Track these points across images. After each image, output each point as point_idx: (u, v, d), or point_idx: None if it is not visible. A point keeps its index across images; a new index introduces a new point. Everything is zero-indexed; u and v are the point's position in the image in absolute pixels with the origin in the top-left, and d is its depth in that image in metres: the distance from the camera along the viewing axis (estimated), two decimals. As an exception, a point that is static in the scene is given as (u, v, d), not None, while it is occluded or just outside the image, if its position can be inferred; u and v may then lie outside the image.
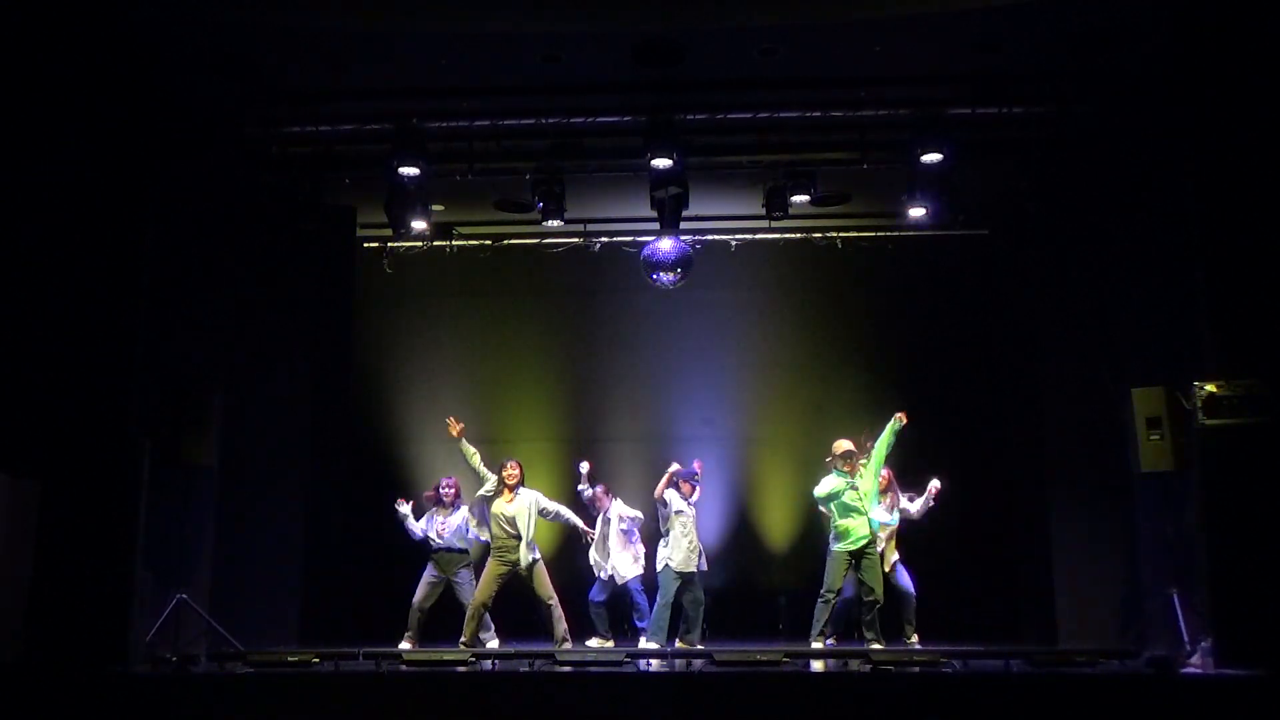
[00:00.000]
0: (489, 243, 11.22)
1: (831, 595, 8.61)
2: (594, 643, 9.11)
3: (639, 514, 9.31)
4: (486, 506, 8.76)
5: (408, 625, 8.99)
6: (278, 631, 9.04)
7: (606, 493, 9.47)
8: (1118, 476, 8.63)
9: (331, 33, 7.96)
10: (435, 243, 10.84)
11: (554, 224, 9.64)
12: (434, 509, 9.30)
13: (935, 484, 8.98)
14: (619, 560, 9.21)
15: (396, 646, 8.58)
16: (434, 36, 8.01)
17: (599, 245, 10.98)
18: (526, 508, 8.71)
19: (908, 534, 9.22)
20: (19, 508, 7.19)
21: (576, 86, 8.73)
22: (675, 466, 9.21)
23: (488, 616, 8.89)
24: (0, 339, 7.43)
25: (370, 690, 6.65)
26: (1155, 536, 8.18)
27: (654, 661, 7.37)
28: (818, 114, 8.91)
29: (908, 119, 8.78)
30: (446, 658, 7.42)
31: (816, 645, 8.49)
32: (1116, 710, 6.34)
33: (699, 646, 8.75)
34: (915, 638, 8.80)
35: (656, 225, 9.58)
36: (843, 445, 8.73)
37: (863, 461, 8.68)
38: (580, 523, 9.07)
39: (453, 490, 9.28)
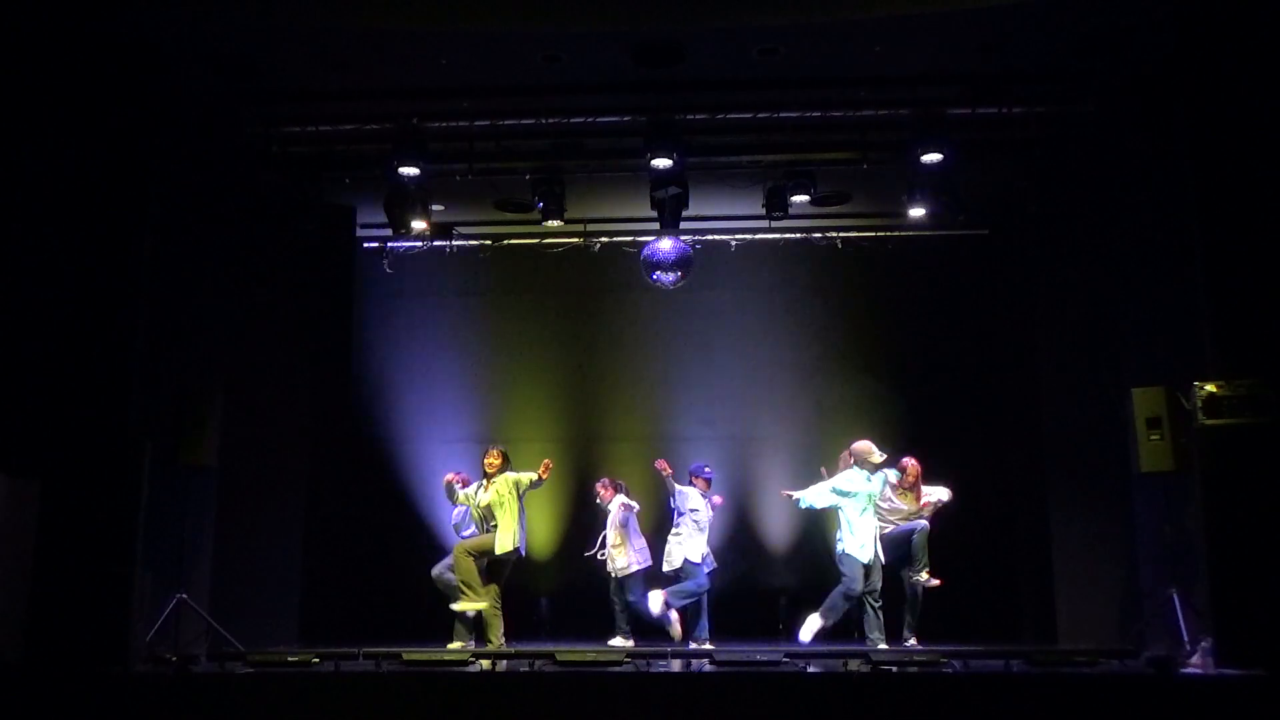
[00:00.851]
0: (489, 243, 11.21)
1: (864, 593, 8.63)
2: (615, 642, 9.00)
3: (634, 504, 9.28)
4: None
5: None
6: (278, 631, 9.04)
7: (607, 487, 9.44)
8: (1118, 476, 8.63)
9: (331, 32, 7.96)
10: (435, 243, 10.84)
11: (554, 224, 9.65)
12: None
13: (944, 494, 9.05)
14: (613, 553, 9.19)
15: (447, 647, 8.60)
16: (434, 36, 8.01)
17: (599, 245, 10.98)
18: (506, 494, 8.69)
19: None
20: (19, 508, 7.19)
21: (576, 86, 8.73)
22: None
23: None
24: (0, 339, 7.44)
25: (370, 690, 6.65)
26: (1155, 536, 8.18)
27: (654, 661, 7.36)
28: (818, 114, 8.91)
29: (908, 119, 8.77)
30: (446, 658, 7.42)
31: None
32: (1116, 710, 6.33)
33: (705, 645, 8.78)
34: (914, 640, 8.79)
35: (656, 225, 9.58)
36: (874, 454, 8.72)
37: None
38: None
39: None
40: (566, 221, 9.77)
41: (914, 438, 10.01)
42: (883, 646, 8.45)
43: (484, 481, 8.85)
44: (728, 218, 10.78)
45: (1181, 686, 6.49)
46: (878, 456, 8.72)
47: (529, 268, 11.37)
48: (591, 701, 6.56)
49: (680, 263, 9.89)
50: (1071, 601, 8.97)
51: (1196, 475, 7.13)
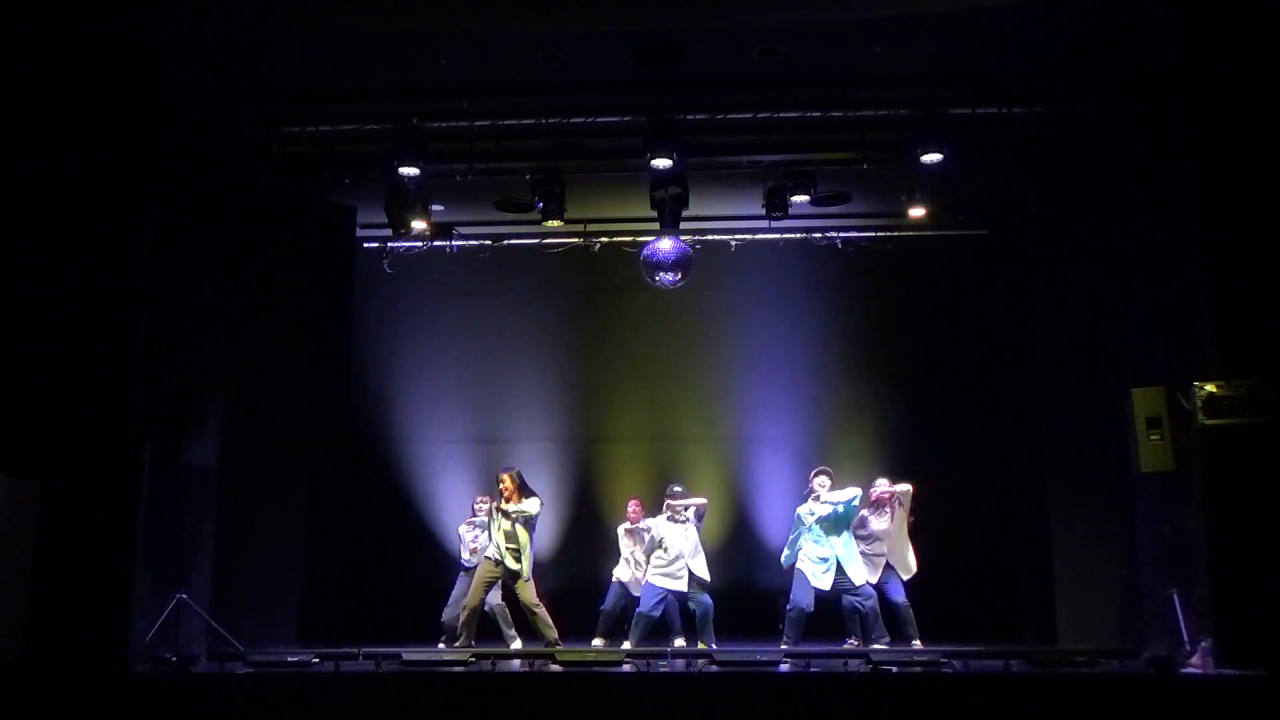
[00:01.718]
0: (489, 243, 11.21)
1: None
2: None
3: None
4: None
5: (458, 630, 8.78)
6: (278, 631, 9.04)
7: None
8: (1118, 476, 8.62)
9: (331, 32, 7.96)
10: (435, 243, 10.84)
11: (554, 224, 9.64)
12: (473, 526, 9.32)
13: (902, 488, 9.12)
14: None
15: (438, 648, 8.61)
16: (434, 36, 8.01)
17: (599, 245, 10.98)
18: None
19: (909, 533, 9.23)
20: (19, 508, 7.20)
21: (576, 86, 8.72)
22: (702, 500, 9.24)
23: (508, 612, 8.93)
24: (0, 339, 7.44)
25: (370, 690, 6.65)
26: (1155, 537, 8.17)
27: (654, 661, 7.36)
28: (818, 114, 8.91)
29: (908, 119, 8.78)
30: (446, 658, 7.42)
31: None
32: (1116, 710, 6.34)
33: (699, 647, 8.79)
34: (917, 643, 8.80)
35: (656, 225, 9.58)
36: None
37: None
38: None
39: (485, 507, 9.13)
40: (566, 221, 9.76)
41: (914, 438, 10.03)
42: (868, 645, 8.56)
43: (498, 506, 8.74)
44: (728, 218, 10.78)
45: (1181, 686, 6.50)
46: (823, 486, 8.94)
47: (529, 268, 11.37)
48: (592, 701, 6.56)
49: (680, 263, 9.88)
50: (1071, 601, 8.97)
51: (1196, 475, 7.13)
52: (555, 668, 7.03)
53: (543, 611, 8.61)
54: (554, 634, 8.56)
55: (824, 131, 9.15)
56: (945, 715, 6.43)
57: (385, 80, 8.68)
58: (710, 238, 10.94)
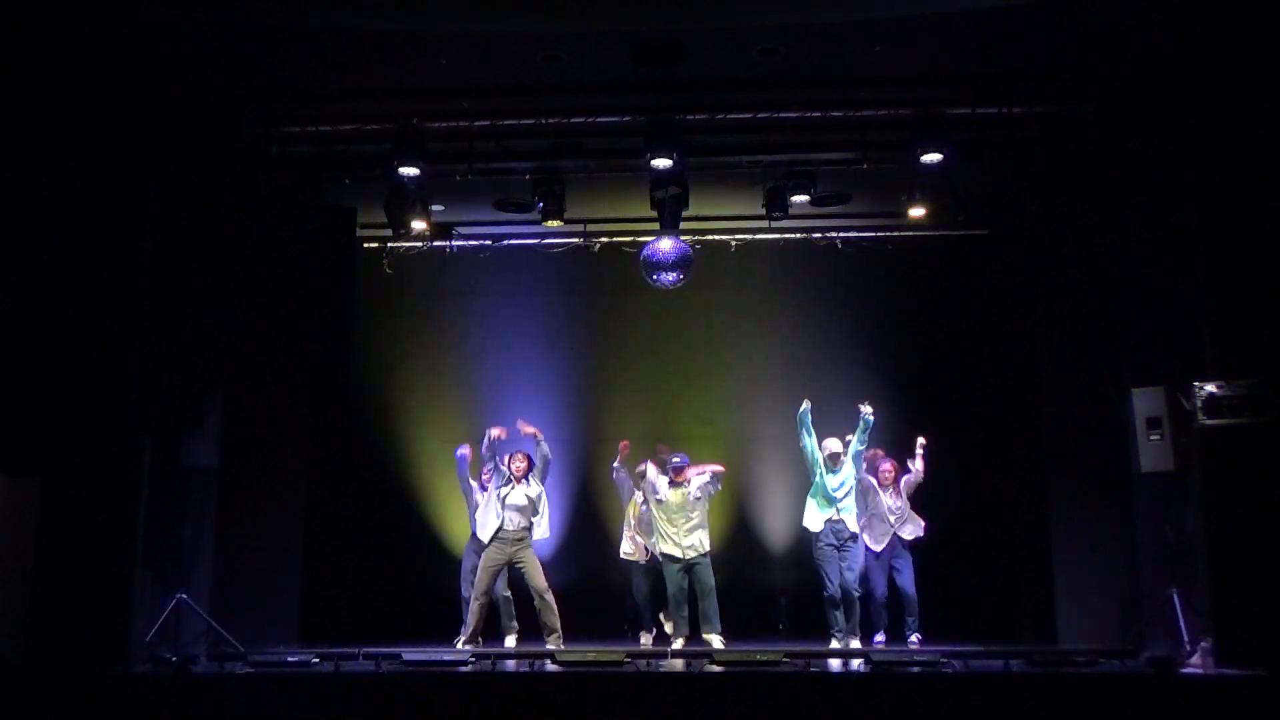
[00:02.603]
0: (489, 243, 11.21)
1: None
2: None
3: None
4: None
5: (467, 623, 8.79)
6: (278, 631, 9.04)
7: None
8: (1118, 477, 8.62)
9: (332, 33, 7.96)
10: (435, 243, 10.84)
11: (554, 224, 9.64)
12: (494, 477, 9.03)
13: (921, 441, 9.25)
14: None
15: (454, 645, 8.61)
16: (434, 36, 8.01)
17: (599, 245, 10.98)
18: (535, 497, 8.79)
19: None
20: (19, 508, 7.19)
21: (576, 86, 8.73)
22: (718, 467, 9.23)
23: (512, 607, 8.94)
24: (1, 339, 7.44)
25: (370, 690, 6.65)
26: (1155, 537, 8.17)
27: (654, 662, 7.36)
28: (818, 114, 8.91)
29: (908, 119, 8.78)
30: (446, 658, 7.42)
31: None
32: (1116, 710, 6.34)
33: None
34: (915, 637, 8.80)
35: (656, 225, 9.58)
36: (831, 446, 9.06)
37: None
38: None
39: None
40: (566, 221, 9.76)
41: (914, 438, 9.99)
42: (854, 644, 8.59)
43: (512, 478, 8.86)
44: (728, 218, 10.78)
45: (1181, 686, 6.49)
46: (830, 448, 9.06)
47: (529, 268, 11.37)
48: (592, 701, 6.56)
49: (680, 263, 9.88)
50: (1071, 601, 8.96)
51: (1196, 475, 7.13)
52: (555, 668, 7.04)
53: (550, 597, 8.64)
54: (557, 621, 8.59)
55: (824, 131, 9.15)
56: (945, 715, 6.43)
57: (385, 80, 8.69)
58: (710, 238, 10.94)
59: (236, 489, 8.91)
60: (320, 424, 10.07)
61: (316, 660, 7.20)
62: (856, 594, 8.89)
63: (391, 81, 8.70)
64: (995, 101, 8.71)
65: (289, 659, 7.40)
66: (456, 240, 11.04)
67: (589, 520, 11.02)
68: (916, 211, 9.26)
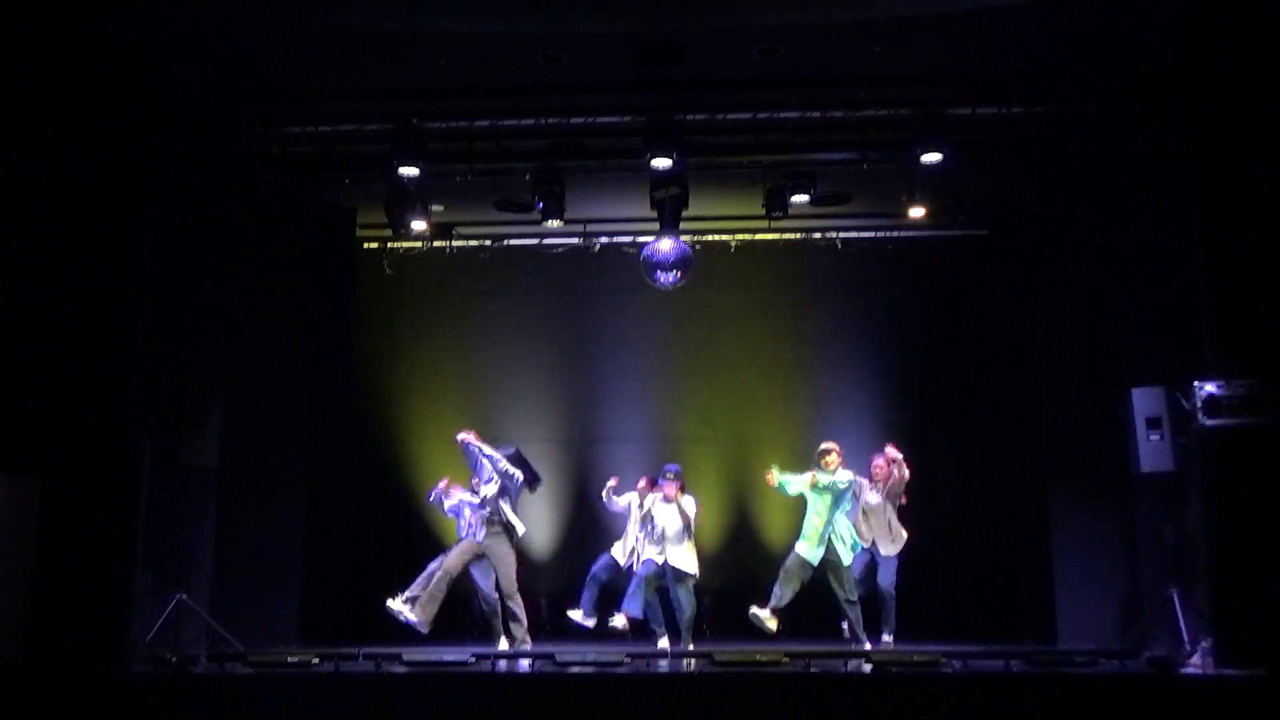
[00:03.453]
0: (489, 243, 11.21)
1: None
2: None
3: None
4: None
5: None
6: (278, 631, 9.04)
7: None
8: (1118, 476, 8.62)
9: (331, 32, 7.96)
10: (435, 243, 10.84)
11: (554, 224, 9.64)
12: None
13: (889, 449, 9.07)
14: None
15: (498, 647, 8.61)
16: (434, 36, 8.01)
17: (599, 245, 10.98)
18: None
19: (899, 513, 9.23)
20: (19, 508, 7.19)
21: (576, 86, 8.73)
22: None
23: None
24: (0, 339, 7.44)
25: (370, 690, 6.65)
26: (1155, 537, 8.18)
27: (654, 662, 7.36)
28: (818, 114, 8.92)
29: (908, 119, 8.78)
30: (446, 658, 7.42)
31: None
32: (1116, 710, 6.33)
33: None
34: (888, 637, 8.76)
35: (656, 225, 9.58)
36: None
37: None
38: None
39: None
40: (566, 221, 9.76)
41: (914, 438, 10.02)
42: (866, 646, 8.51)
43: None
44: (728, 218, 10.78)
45: (1181, 686, 6.49)
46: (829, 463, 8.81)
47: (529, 268, 11.37)
48: (591, 701, 6.56)
49: (680, 263, 9.88)
50: (1071, 601, 8.97)
51: (1196, 475, 7.13)
52: (555, 668, 7.03)
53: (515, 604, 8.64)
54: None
55: (824, 131, 9.16)
56: (945, 715, 6.43)
57: (385, 80, 8.69)
58: (710, 238, 10.94)
59: (236, 489, 8.92)
60: (320, 424, 10.07)
61: (316, 660, 7.19)
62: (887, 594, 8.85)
63: (391, 81, 8.70)
64: (995, 101, 8.71)
65: (289, 659, 7.39)
66: (456, 240, 11.05)
67: (589, 521, 11.01)
68: (916, 211, 9.26)
